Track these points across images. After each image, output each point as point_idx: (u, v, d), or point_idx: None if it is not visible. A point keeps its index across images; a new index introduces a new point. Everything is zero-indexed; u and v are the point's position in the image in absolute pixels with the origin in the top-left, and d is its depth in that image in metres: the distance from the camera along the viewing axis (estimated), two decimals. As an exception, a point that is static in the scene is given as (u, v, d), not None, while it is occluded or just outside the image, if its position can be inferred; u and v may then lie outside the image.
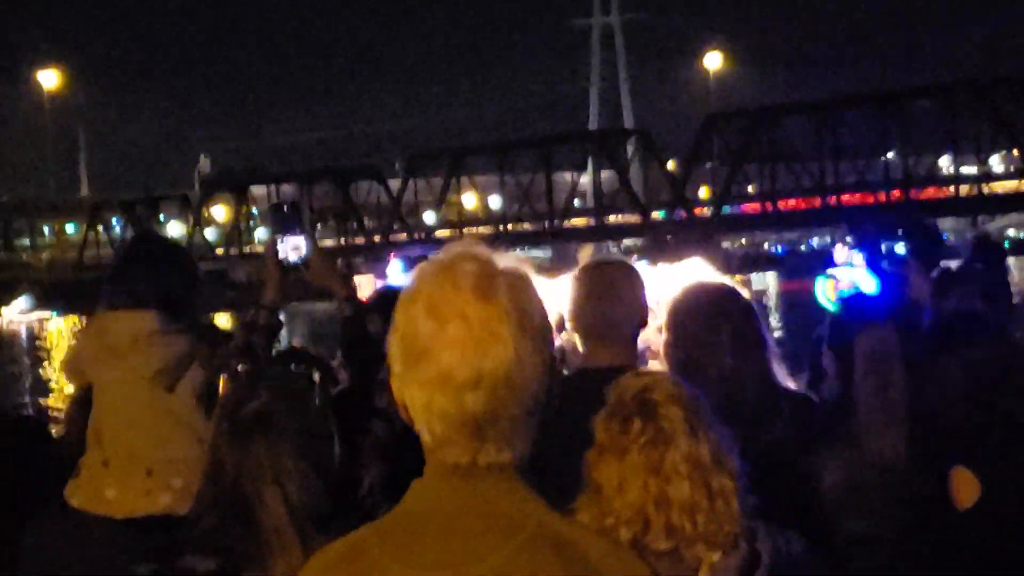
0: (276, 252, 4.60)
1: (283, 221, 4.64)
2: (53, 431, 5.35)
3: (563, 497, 2.74)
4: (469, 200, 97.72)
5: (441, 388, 2.03)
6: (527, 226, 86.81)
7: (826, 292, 6.05)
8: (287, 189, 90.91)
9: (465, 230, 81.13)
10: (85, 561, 4.15)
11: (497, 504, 2.03)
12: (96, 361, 4.50)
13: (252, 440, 3.17)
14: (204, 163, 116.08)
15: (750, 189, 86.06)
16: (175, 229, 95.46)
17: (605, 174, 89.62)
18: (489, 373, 2.02)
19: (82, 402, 4.58)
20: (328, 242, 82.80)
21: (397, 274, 7.72)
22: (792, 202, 79.49)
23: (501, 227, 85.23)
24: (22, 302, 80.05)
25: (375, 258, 63.04)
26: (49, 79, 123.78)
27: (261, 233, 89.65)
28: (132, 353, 4.43)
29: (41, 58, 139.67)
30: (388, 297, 4.90)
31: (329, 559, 2.11)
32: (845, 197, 76.25)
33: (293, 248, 4.59)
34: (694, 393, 2.91)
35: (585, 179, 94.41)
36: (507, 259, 2.12)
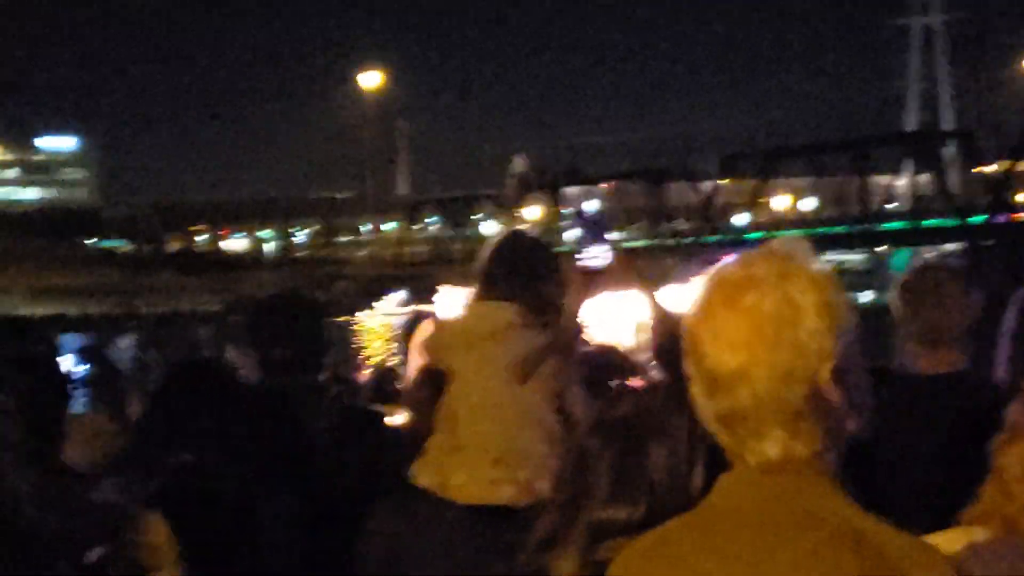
0: (579, 258, 4.69)
1: (588, 229, 4.77)
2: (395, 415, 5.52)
3: (910, 496, 2.67)
4: (781, 202, 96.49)
5: (725, 386, 2.10)
6: (840, 229, 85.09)
7: None
8: (600, 189, 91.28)
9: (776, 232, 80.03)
10: (427, 540, 4.28)
11: (798, 499, 2.06)
12: (456, 348, 4.56)
13: (603, 448, 3.05)
14: (518, 163, 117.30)
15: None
16: (489, 228, 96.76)
17: (922, 177, 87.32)
18: (774, 366, 2.05)
19: (428, 386, 4.67)
20: (639, 243, 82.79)
21: None
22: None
23: (814, 230, 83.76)
24: (398, 297, 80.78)
25: (684, 259, 62.74)
26: (369, 80, 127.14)
27: (572, 235, 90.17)
28: (490, 343, 4.50)
29: (362, 59, 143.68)
30: None
31: (638, 549, 2.22)
32: None
33: (596, 255, 4.69)
34: None
35: (901, 182, 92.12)
36: (803, 254, 2.15)
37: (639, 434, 2.96)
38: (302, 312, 5.21)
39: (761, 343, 2.06)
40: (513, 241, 4.79)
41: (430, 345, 4.74)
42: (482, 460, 4.40)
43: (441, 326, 4.76)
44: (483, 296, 4.64)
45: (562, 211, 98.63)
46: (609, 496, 2.86)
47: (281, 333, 5.02)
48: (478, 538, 4.12)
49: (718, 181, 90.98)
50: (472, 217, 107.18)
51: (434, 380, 4.61)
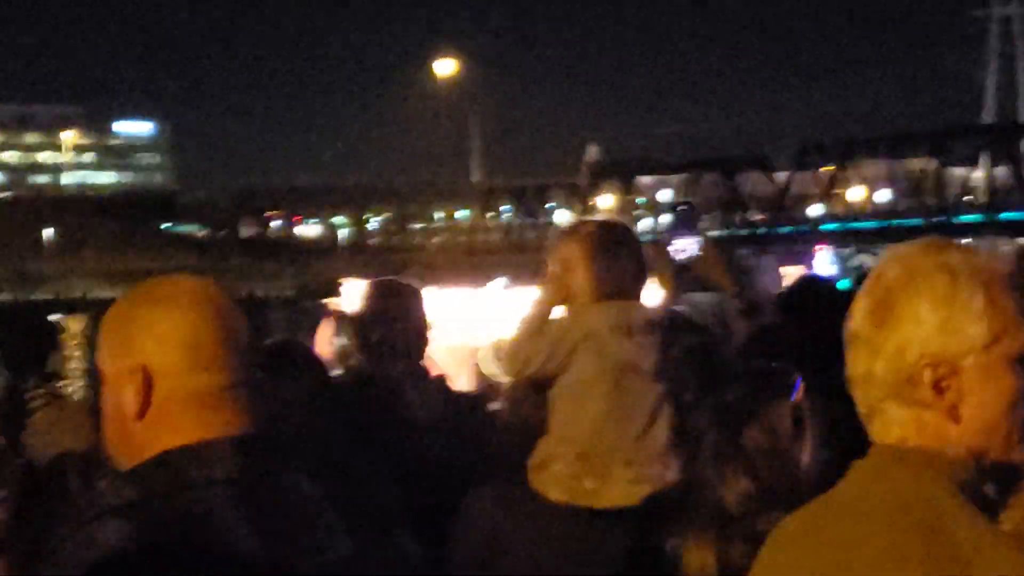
0: (668, 250, 4.67)
1: (676, 221, 4.79)
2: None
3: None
4: (856, 193, 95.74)
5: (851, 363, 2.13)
6: (916, 222, 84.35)
7: None
8: (674, 179, 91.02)
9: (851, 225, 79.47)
10: (530, 538, 4.27)
11: (893, 486, 2.06)
12: (581, 350, 4.47)
13: (713, 433, 3.17)
14: (592, 151, 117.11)
15: None
16: (562, 216, 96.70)
17: (999, 169, 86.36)
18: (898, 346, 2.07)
19: (530, 387, 4.59)
20: (713, 233, 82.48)
21: (825, 265, 7.69)
22: None
23: (889, 222, 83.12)
24: (500, 283, 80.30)
25: (758, 249, 62.44)
26: (444, 67, 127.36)
27: (646, 224, 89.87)
28: (623, 343, 4.45)
29: (437, 47, 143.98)
30: (815, 287, 4.94)
31: (789, 531, 2.20)
32: None
33: (683, 248, 4.66)
34: None
35: (977, 174, 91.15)
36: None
37: (742, 418, 2.97)
38: (405, 297, 5.22)
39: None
40: (617, 237, 4.67)
41: (544, 343, 4.59)
42: (615, 462, 4.36)
43: (557, 325, 4.70)
44: (594, 294, 4.53)
45: (635, 200, 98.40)
46: (718, 479, 2.88)
47: (385, 317, 5.05)
48: (616, 540, 4.12)
49: (793, 171, 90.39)
50: (545, 205, 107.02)
51: (537, 382, 4.54)
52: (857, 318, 2.16)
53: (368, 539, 2.44)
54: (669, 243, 4.61)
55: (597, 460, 4.36)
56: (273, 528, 2.22)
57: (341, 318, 5.92)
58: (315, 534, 2.31)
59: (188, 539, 2.14)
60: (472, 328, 12.86)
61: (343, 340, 5.61)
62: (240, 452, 2.25)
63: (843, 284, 7.22)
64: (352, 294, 7.87)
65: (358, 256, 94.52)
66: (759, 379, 3.52)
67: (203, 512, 2.17)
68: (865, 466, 2.13)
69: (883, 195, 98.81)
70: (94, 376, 4.56)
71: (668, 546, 3.04)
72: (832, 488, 2.18)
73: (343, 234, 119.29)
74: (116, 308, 2.39)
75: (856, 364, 2.15)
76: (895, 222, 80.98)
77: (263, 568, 2.17)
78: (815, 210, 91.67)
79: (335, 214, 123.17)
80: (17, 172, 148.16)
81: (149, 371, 2.29)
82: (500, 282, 14.07)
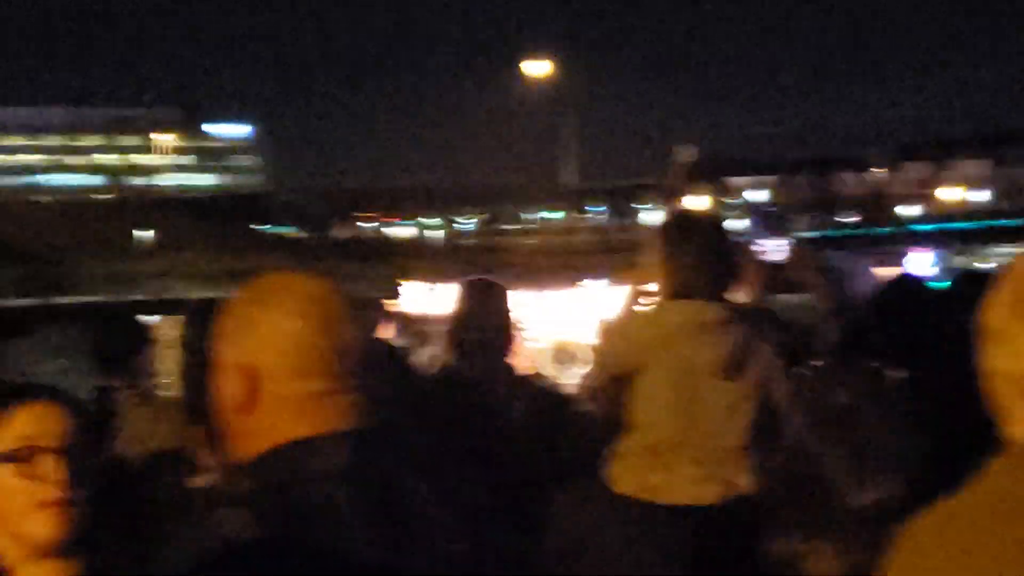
0: (756, 251, 4.63)
1: (764, 223, 4.75)
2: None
3: None
4: (953, 193, 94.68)
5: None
6: (1015, 222, 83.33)
7: None
8: (767, 179, 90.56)
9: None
10: (614, 537, 4.28)
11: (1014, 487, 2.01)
12: (655, 347, 4.49)
13: (837, 435, 3.11)
14: (683, 152, 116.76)
15: None
16: (654, 217, 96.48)
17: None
18: None
19: (619, 383, 4.59)
20: (805, 233, 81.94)
21: (925, 267, 7.62)
22: None
23: (987, 222, 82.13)
24: (596, 282, 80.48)
25: (852, 250, 61.97)
26: (536, 68, 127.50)
27: (737, 225, 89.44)
28: (696, 342, 4.44)
29: (529, 48, 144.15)
30: (909, 286, 4.92)
31: (927, 526, 2.12)
32: None
33: (772, 249, 4.64)
34: None
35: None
36: None
37: (866, 421, 2.94)
38: (496, 295, 5.23)
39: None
40: (698, 234, 4.66)
41: (621, 342, 4.66)
42: (682, 459, 4.37)
43: (634, 325, 4.71)
44: (679, 292, 4.54)
45: (728, 201, 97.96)
46: (847, 485, 2.85)
47: (477, 316, 5.06)
48: (680, 538, 4.11)
49: (888, 171, 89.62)
50: (636, 206, 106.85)
51: (621, 377, 4.55)
52: (997, 312, 2.10)
53: (469, 536, 2.44)
54: (757, 245, 4.56)
55: (664, 456, 4.37)
56: (385, 520, 2.23)
57: (400, 319, 5.95)
58: (424, 529, 2.31)
59: (303, 530, 2.16)
60: (562, 328, 12.91)
61: (402, 341, 5.64)
62: (350, 446, 2.26)
63: (939, 285, 7.14)
64: (411, 295, 7.89)
65: (449, 257, 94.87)
66: (871, 382, 3.48)
67: (317, 504, 2.18)
68: (1003, 464, 2.06)
69: (981, 195, 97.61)
70: (188, 377, 4.59)
71: (768, 548, 3.01)
72: (961, 487, 2.10)
73: (434, 235, 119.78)
74: (234, 300, 2.40)
75: (994, 359, 2.10)
76: (994, 222, 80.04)
77: (374, 561, 2.18)
78: (911, 211, 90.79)
79: (427, 215, 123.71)
80: (114, 174, 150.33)
81: (254, 370, 2.30)
82: (593, 283, 14.08)
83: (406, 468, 2.39)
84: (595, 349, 4.70)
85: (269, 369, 2.30)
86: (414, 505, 2.33)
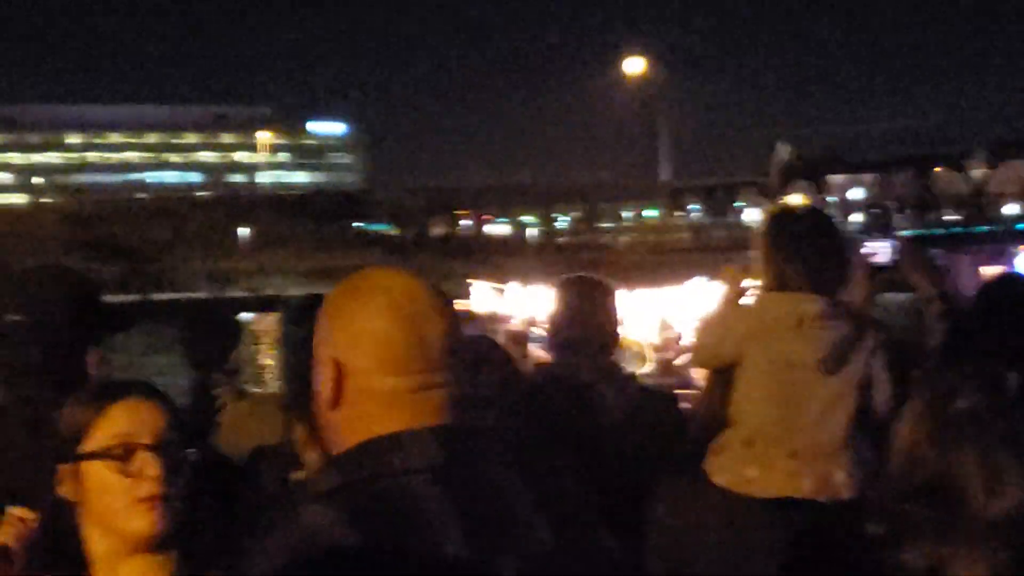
0: (862, 252, 4.59)
1: (869, 223, 4.68)
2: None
3: None
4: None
5: None
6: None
7: None
8: (866, 177, 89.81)
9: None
10: (717, 534, 4.26)
11: None
12: (752, 340, 4.47)
13: (963, 441, 3.03)
14: (782, 150, 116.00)
15: None
16: (751, 216, 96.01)
17: None
18: None
19: (723, 376, 4.59)
20: (906, 232, 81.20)
21: None
22: None
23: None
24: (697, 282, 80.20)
25: (955, 249, 61.22)
26: (633, 66, 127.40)
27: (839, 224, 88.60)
28: (794, 335, 4.40)
29: (626, 46, 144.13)
30: (1015, 285, 4.84)
31: None
32: None
33: (879, 250, 4.60)
34: None
35: None
36: None
37: (990, 427, 2.91)
38: (597, 293, 5.18)
39: None
40: (803, 228, 4.63)
41: (718, 334, 4.64)
42: (777, 453, 4.34)
43: (737, 317, 4.67)
44: (778, 285, 4.52)
45: (826, 199, 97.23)
46: (978, 493, 2.82)
47: (578, 314, 5.03)
48: (775, 532, 4.09)
49: (989, 169, 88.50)
50: (734, 204, 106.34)
51: (729, 371, 4.53)
52: None
53: (567, 534, 2.42)
54: (862, 244, 4.52)
55: (759, 449, 4.34)
56: (474, 517, 2.22)
57: (470, 318, 5.95)
58: (516, 526, 2.30)
59: (391, 525, 2.15)
60: (661, 326, 12.85)
61: None
62: (440, 442, 2.25)
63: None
64: (480, 295, 7.86)
65: (546, 255, 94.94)
66: (991, 385, 3.42)
67: (405, 499, 2.18)
68: None
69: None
70: (288, 373, 4.59)
71: (897, 557, 2.97)
72: None
73: (531, 233, 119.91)
74: (332, 293, 2.41)
75: None
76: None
77: (464, 557, 2.17)
78: (1012, 209, 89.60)
79: (524, 213, 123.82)
80: (214, 171, 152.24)
81: (341, 365, 2.30)
82: (694, 281, 14.01)
83: (501, 467, 2.37)
84: (692, 344, 4.70)
85: (355, 364, 2.30)
86: (507, 505, 2.31)
